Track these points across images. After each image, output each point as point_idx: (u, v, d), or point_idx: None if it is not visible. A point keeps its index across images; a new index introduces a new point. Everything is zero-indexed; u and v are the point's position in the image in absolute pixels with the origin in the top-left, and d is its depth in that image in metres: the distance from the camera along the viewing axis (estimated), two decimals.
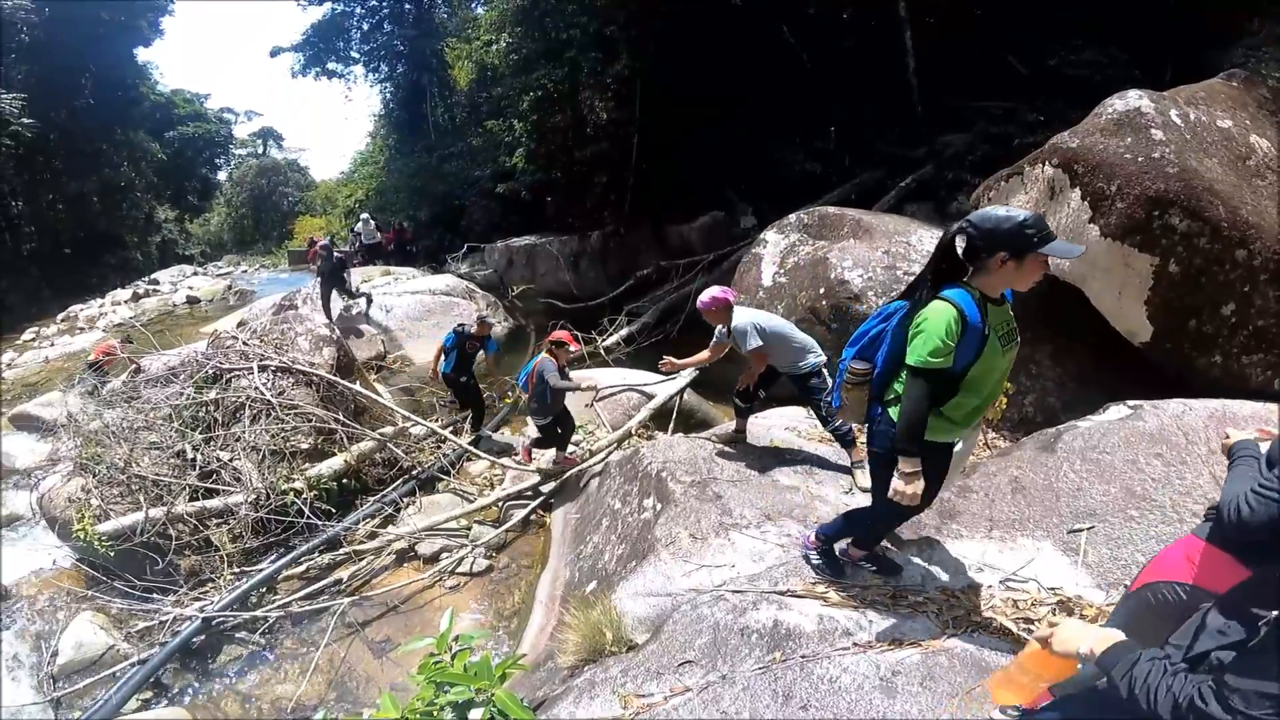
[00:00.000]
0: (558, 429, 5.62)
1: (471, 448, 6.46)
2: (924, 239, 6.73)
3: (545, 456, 5.90)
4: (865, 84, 11.34)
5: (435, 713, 2.43)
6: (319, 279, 11.31)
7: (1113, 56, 8.58)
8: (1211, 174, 4.19)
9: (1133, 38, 8.68)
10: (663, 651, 2.64)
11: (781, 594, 2.87)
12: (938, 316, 2.15)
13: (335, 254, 11.27)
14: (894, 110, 11.12)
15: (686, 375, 7.15)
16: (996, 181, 5.27)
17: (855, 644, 2.52)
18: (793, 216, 7.80)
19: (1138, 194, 4.17)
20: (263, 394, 6.07)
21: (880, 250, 6.47)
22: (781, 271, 7.12)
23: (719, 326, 4.31)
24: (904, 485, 2.26)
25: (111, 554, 4.84)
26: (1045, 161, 4.77)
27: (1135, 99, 4.62)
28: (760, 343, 4.08)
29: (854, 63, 11.33)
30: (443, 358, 7.06)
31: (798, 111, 12.11)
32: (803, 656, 2.46)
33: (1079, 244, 4.29)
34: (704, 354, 4.50)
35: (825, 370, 4.15)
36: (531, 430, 6.10)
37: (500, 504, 5.74)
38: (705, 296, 4.26)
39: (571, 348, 5.53)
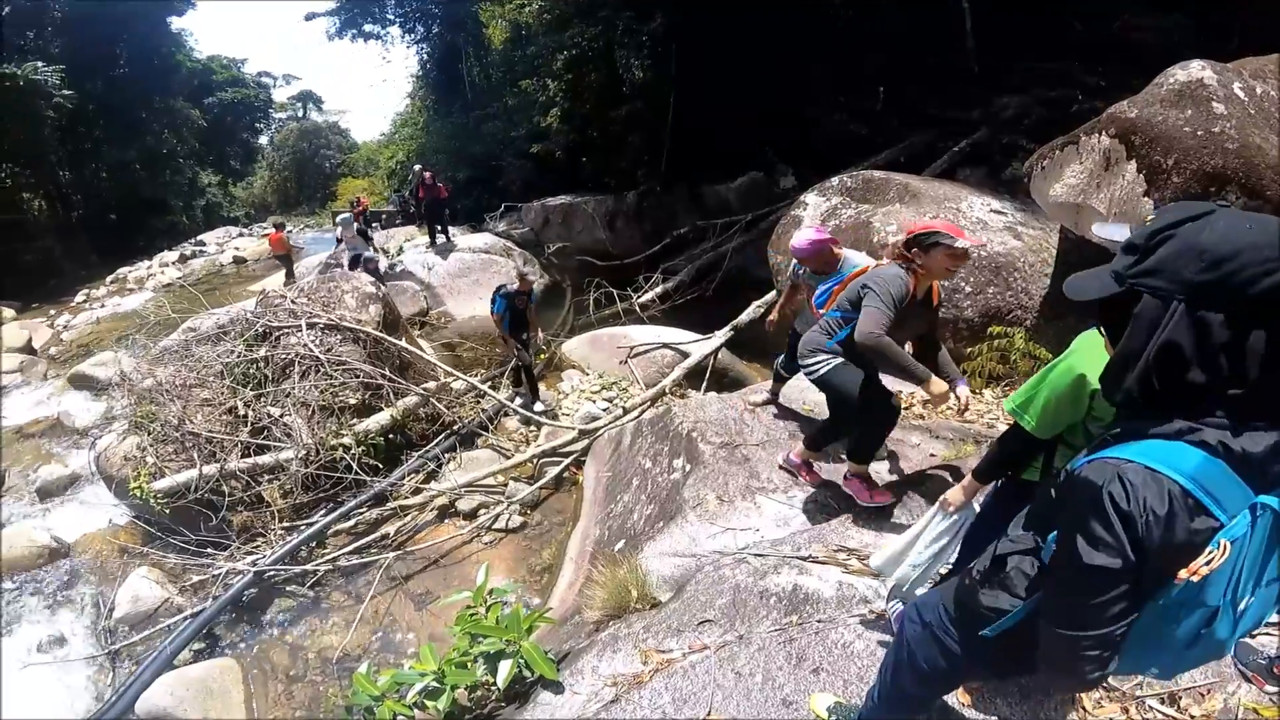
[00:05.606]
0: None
1: (509, 403, 6.61)
2: (975, 205, 6.55)
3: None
4: (917, 43, 10.86)
5: (469, 663, 2.63)
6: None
7: (1177, 22, 8.22)
8: (1275, 151, 3.97)
9: (1198, 4, 8.28)
10: (684, 610, 2.74)
11: (803, 559, 2.93)
12: None
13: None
14: (948, 71, 10.64)
15: (721, 335, 7.19)
16: (1051, 150, 5.05)
17: (872, 611, 2.57)
18: (835, 179, 7.62)
19: (1195, 169, 3.98)
20: (311, 350, 6.23)
21: (928, 216, 6.30)
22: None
23: (803, 269, 3.89)
24: None
25: (166, 511, 4.99)
26: (1102, 131, 4.54)
27: (1198, 69, 4.36)
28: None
29: (905, 21, 10.83)
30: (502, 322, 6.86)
31: (843, 71, 11.70)
32: (819, 621, 2.53)
33: (1133, 218, 4.13)
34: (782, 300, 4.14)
35: None
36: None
37: (535, 460, 5.89)
38: (804, 241, 3.65)
39: None
